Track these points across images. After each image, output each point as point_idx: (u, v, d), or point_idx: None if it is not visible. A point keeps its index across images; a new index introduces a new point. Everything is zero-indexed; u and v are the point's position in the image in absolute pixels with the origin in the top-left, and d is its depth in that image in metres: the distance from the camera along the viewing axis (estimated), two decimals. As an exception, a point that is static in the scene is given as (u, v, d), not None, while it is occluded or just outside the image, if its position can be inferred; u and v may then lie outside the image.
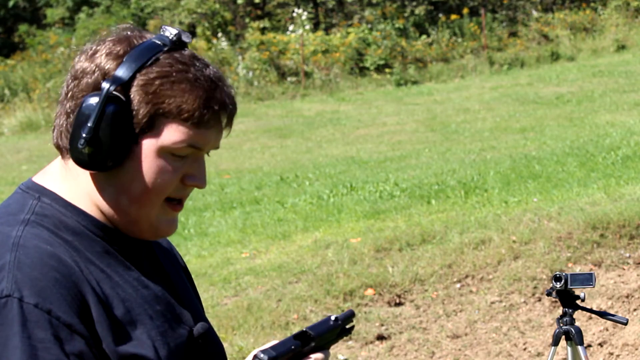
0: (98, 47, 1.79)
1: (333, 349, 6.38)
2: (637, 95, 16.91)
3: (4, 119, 21.47)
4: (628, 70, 20.47)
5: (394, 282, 6.96)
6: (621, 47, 24.36)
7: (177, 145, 1.74)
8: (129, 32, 1.80)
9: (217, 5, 28.29)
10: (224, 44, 26.02)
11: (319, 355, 1.76)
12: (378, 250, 7.42)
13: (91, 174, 1.77)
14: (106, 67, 1.75)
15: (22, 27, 31.55)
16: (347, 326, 1.82)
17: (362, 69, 24.41)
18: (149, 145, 1.74)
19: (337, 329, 1.78)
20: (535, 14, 27.50)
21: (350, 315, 1.81)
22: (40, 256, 1.69)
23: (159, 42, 1.77)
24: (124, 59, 1.74)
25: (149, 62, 1.74)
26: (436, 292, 6.90)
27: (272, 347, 1.70)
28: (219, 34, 27.04)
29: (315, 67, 24.06)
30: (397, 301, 6.85)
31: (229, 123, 1.81)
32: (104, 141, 1.72)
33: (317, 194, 10.46)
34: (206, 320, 1.93)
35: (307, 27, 26.74)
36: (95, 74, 1.75)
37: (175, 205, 1.81)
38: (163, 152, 1.75)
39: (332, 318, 1.77)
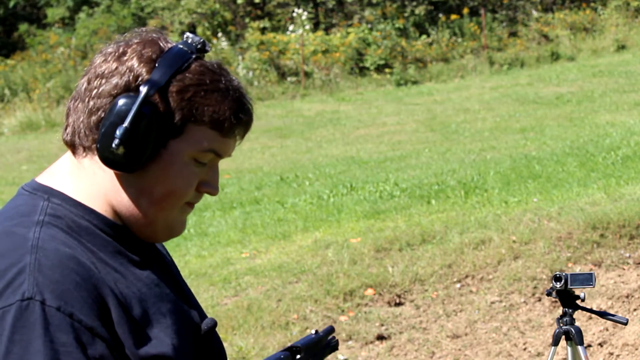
0: (126, 49, 1.79)
1: (333, 349, 6.38)
2: (637, 95, 16.91)
3: (4, 119, 21.47)
4: (628, 70, 20.47)
5: (394, 282, 6.96)
6: (621, 47, 24.36)
7: (204, 152, 1.79)
8: (154, 35, 1.82)
9: (217, 5, 28.29)
10: (224, 44, 26.02)
11: None
12: (378, 250, 7.42)
13: (115, 175, 1.78)
14: (138, 70, 1.76)
15: (22, 27, 31.55)
16: (331, 340, 1.92)
17: (362, 69, 24.42)
18: (177, 150, 1.77)
19: (321, 341, 1.87)
20: (535, 14, 27.49)
21: (330, 330, 1.90)
22: (60, 258, 1.69)
23: (186, 49, 1.80)
24: (157, 64, 1.76)
25: (183, 68, 1.77)
26: (436, 292, 6.90)
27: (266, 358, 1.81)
28: (219, 34, 27.04)
29: (315, 67, 24.07)
30: (397, 301, 6.85)
31: (245, 134, 1.87)
32: (137, 142, 1.73)
33: (317, 194, 10.46)
34: (206, 316, 1.94)
35: (307, 27, 26.74)
36: (126, 76, 1.76)
37: (192, 206, 1.87)
38: (189, 158, 1.78)
39: (313, 332, 1.87)
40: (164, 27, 27.79)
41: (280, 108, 20.94)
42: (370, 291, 6.89)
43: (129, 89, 1.75)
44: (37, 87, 23.07)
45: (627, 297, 6.62)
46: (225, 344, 6.35)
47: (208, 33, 27.32)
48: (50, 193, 1.79)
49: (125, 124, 1.73)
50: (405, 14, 27.76)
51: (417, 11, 27.81)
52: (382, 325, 6.59)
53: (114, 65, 1.77)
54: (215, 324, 1.88)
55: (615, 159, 10.27)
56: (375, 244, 7.50)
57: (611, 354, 6.15)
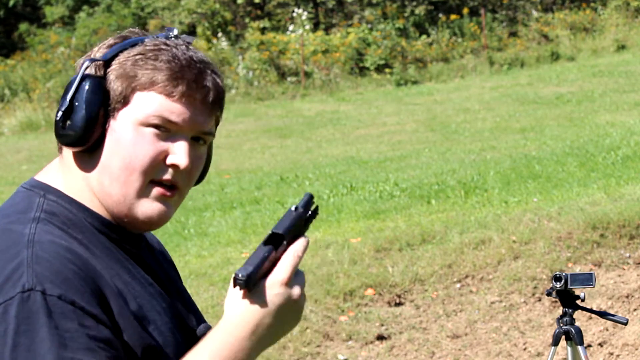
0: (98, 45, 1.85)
1: (333, 349, 6.38)
2: (637, 95, 16.91)
3: (4, 119, 21.47)
4: (628, 70, 20.47)
5: (394, 282, 6.96)
6: (621, 47, 24.36)
7: (149, 115, 1.76)
8: (127, 33, 1.85)
9: (217, 5, 28.29)
10: (224, 44, 26.03)
11: (298, 244, 1.70)
12: (378, 250, 7.42)
13: (77, 158, 1.80)
14: (94, 55, 1.81)
15: (23, 26, 31.56)
16: (311, 210, 1.75)
17: (362, 69, 24.42)
18: (124, 119, 1.76)
19: (302, 218, 1.72)
20: (535, 14, 27.50)
21: (309, 200, 1.74)
22: (57, 250, 1.70)
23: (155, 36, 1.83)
24: (113, 47, 1.80)
25: (133, 45, 1.80)
26: (436, 292, 6.90)
27: (247, 263, 1.65)
28: (219, 34, 27.05)
29: (315, 67, 24.07)
30: (397, 301, 6.85)
31: (214, 107, 1.81)
32: (79, 113, 1.75)
33: (317, 194, 10.46)
34: (204, 322, 1.93)
35: (307, 27, 26.75)
36: (83, 62, 1.81)
37: (165, 189, 1.80)
38: (138, 125, 1.77)
39: (292, 208, 1.72)
40: (164, 27, 27.78)
41: (280, 108, 20.94)
42: (370, 291, 6.89)
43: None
44: (37, 87, 23.07)
45: (627, 297, 6.62)
46: (225, 344, 6.35)
47: (208, 33, 27.33)
48: (46, 190, 1.81)
49: (67, 97, 1.76)
50: (405, 14, 27.77)
51: (417, 11, 27.81)
52: (382, 325, 6.59)
53: (82, 59, 1.82)
54: (208, 330, 1.87)
55: (615, 159, 10.27)
56: (375, 244, 7.50)
57: (611, 354, 6.15)
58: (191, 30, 28.06)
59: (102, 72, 1.78)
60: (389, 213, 8.84)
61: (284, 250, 1.70)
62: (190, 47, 1.82)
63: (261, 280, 1.67)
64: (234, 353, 1.65)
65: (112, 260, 1.77)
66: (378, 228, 8.06)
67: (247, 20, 28.64)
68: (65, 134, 1.77)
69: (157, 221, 1.81)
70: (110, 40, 1.82)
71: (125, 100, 1.77)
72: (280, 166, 13.63)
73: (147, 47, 1.78)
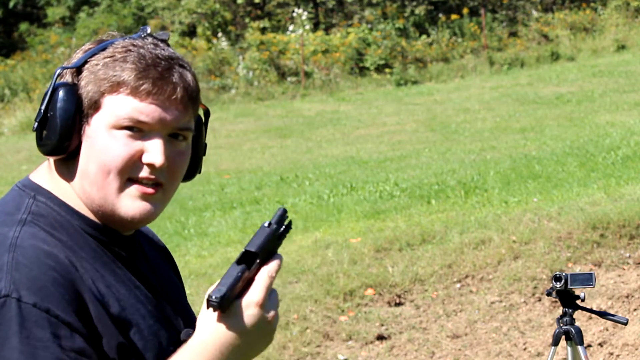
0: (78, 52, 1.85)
1: (333, 349, 6.38)
2: (637, 95, 16.91)
3: (4, 119, 21.47)
4: (628, 70, 20.47)
5: (394, 282, 6.96)
6: (621, 47, 24.36)
7: (120, 118, 1.75)
8: (105, 36, 1.85)
9: (217, 5, 28.29)
10: (224, 44, 26.02)
11: (272, 265, 1.68)
12: (378, 250, 7.42)
13: (59, 166, 1.80)
14: (68, 62, 1.82)
15: (23, 26, 31.55)
16: (284, 225, 1.72)
17: (362, 69, 24.42)
18: (97, 124, 1.76)
19: (275, 234, 1.69)
20: (535, 14, 27.49)
21: (282, 215, 1.71)
22: (38, 255, 1.69)
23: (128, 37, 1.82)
24: (86, 52, 1.81)
25: (104, 49, 1.79)
26: (436, 292, 6.90)
27: (220, 283, 1.63)
28: (219, 34, 27.04)
29: (315, 67, 24.07)
30: (397, 301, 6.85)
31: (186, 103, 1.79)
32: (54, 123, 1.75)
33: (317, 194, 10.46)
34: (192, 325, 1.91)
35: (307, 27, 26.74)
36: (57, 71, 1.81)
37: (145, 186, 1.79)
38: (111, 128, 1.76)
39: (266, 224, 1.69)
40: (164, 27, 27.79)
41: (280, 108, 20.93)
42: (370, 291, 6.89)
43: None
44: (37, 87, 23.07)
45: (627, 297, 6.62)
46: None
47: (208, 33, 27.33)
48: (37, 191, 1.81)
49: (42, 107, 1.77)
50: (405, 14, 27.77)
51: (417, 11, 27.81)
52: (382, 325, 6.59)
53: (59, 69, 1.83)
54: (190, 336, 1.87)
55: (615, 159, 10.27)
56: (375, 244, 7.50)
57: (611, 354, 6.15)
58: (191, 30, 28.07)
59: (74, 79, 1.78)
60: (389, 213, 8.84)
61: (258, 269, 1.68)
62: (160, 44, 1.81)
63: (235, 301, 1.65)
64: None
65: (97, 262, 1.77)
66: (378, 228, 8.06)
67: (247, 20, 28.64)
68: (43, 144, 1.78)
69: (141, 219, 1.80)
70: (86, 45, 1.83)
71: (96, 106, 1.77)
72: (280, 166, 13.63)
73: (116, 50, 1.78)
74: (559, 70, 22.38)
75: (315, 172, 12.45)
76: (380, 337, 6.48)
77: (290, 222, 1.72)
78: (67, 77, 1.79)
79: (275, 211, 1.71)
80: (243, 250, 1.66)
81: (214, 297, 1.61)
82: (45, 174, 1.84)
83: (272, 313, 1.69)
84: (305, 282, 7.06)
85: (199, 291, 7.17)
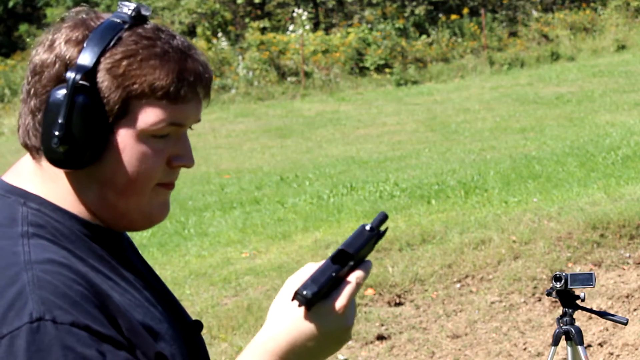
0: (55, 36, 1.64)
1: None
2: (637, 95, 16.92)
3: (4, 119, 21.48)
4: (628, 70, 20.48)
5: (394, 282, 6.96)
6: (621, 47, 24.37)
7: (156, 126, 1.61)
8: (84, 15, 1.66)
9: (217, 5, 28.29)
10: (224, 44, 26.02)
11: (360, 273, 1.58)
12: (378, 250, 7.42)
13: (70, 173, 1.64)
14: (67, 56, 1.61)
15: (23, 27, 31.56)
16: (381, 230, 1.62)
17: (362, 69, 24.42)
18: (126, 132, 1.61)
19: (373, 238, 1.59)
20: (535, 14, 27.50)
21: (383, 219, 1.61)
22: (58, 270, 1.54)
23: (118, 20, 1.63)
24: (85, 44, 1.61)
25: (112, 43, 1.61)
26: (436, 292, 6.90)
27: (312, 279, 1.53)
28: (219, 34, 27.05)
29: (315, 67, 24.07)
30: (397, 301, 6.85)
31: (207, 93, 1.67)
32: (78, 136, 1.59)
33: (317, 194, 10.46)
34: (188, 317, 1.82)
35: (307, 27, 26.75)
36: (57, 65, 1.62)
37: (168, 187, 1.68)
38: (143, 137, 1.61)
39: (367, 228, 1.58)
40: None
41: (280, 108, 20.94)
42: (370, 291, 6.89)
43: (61, 79, 1.61)
44: (37, 87, 23.07)
45: (627, 297, 6.62)
46: (225, 344, 6.35)
47: (208, 33, 27.33)
48: (25, 197, 1.65)
49: (60, 119, 1.58)
50: (405, 14, 27.77)
51: (417, 11, 27.81)
52: (382, 325, 6.59)
53: (45, 56, 1.63)
54: (200, 327, 1.79)
55: (615, 159, 10.27)
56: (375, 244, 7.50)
57: (611, 354, 6.15)
58: (191, 30, 28.07)
59: (91, 82, 1.60)
60: (389, 213, 8.84)
61: (349, 271, 1.58)
62: (168, 30, 1.66)
63: (321, 302, 1.56)
64: None
65: (106, 268, 1.63)
66: (378, 228, 8.06)
67: (247, 20, 28.64)
68: (61, 159, 1.61)
69: (162, 219, 1.71)
70: (73, 34, 1.63)
71: (125, 112, 1.60)
72: (280, 166, 13.63)
73: (134, 47, 1.61)
74: (559, 70, 22.39)
75: (315, 172, 12.45)
76: (380, 337, 6.48)
77: (386, 229, 1.64)
78: (76, 77, 1.59)
79: (375, 215, 1.61)
80: (339, 248, 1.57)
81: (304, 292, 1.52)
82: (33, 177, 1.67)
83: (351, 321, 1.59)
84: (305, 282, 7.05)
85: (199, 291, 7.17)
